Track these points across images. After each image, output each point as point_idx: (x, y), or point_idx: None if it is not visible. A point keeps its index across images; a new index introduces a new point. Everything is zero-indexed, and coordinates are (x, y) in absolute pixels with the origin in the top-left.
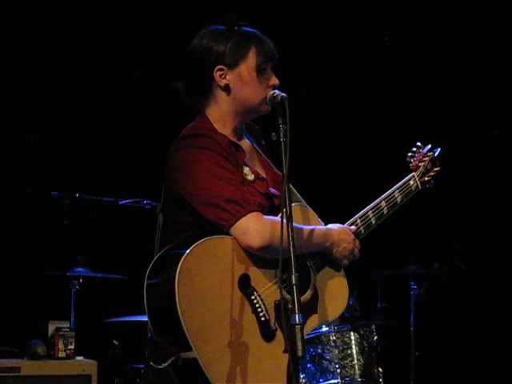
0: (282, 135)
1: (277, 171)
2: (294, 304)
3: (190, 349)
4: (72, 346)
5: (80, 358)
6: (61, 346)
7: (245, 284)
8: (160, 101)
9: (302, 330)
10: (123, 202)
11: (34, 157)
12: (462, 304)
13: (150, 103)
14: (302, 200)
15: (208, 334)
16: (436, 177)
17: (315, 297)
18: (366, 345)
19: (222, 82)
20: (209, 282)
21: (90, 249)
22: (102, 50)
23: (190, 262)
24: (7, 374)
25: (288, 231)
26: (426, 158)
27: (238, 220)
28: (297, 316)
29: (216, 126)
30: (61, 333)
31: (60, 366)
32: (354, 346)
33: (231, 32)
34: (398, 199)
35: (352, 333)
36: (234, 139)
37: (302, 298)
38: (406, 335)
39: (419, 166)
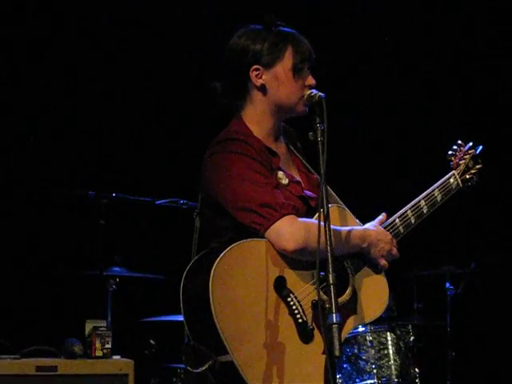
0: (319, 135)
1: (312, 173)
2: (331, 303)
3: (226, 352)
4: (109, 345)
5: (117, 357)
6: (98, 345)
7: (281, 286)
8: (199, 101)
9: (339, 329)
10: (160, 202)
11: (72, 156)
12: (499, 305)
13: (189, 103)
14: (340, 201)
15: (244, 336)
16: (478, 175)
17: (354, 298)
18: (402, 345)
19: (258, 82)
20: (243, 285)
21: (126, 249)
22: (135, 48)
23: (224, 265)
24: (44, 373)
25: (326, 231)
26: (467, 156)
27: (272, 224)
28: (334, 316)
29: (252, 127)
30: (98, 332)
31: (97, 364)
32: (390, 347)
33: (268, 32)
34: (438, 198)
35: (388, 333)
36: (269, 142)
37: (341, 299)
38: (443, 336)
39: (460, 164)
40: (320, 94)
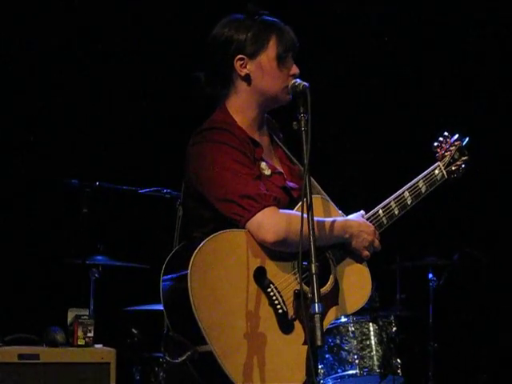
0: (303, 124)
1: (295, 164)
2: (313, 293)
3: (205, 342)
4: (91, 334)
5: (99, 345)
6: (80, 333)
7: (261, 277)
8: (181, 90)
9: (321, 319)
10: (143, 190)
11: (55, 145)
12: (481, 296)
13: (173, 92)
14: (323, 192)
15: (223, 327)
16: (464, 166)
17: (336, 289)
18: (384, 336)
19: (243, 72)
20: (223, 276)
21: (109, 237)
22: (126, 40)
23: (203, 255)
24: (26, 361)
25: (308, 220)
26: (453, 148)
27: (253, 215)
28: (316, 305)
29: (235, 117)
30: (80, 320)
31: (79, 353)
32: (372, 337)
33: (252, 21)
34: (423, 189)
35: (371, 324)
36: (252, 132)
37: (323, 290)
38: (425, 327)
39: (445, 156)
40: (304, 83)
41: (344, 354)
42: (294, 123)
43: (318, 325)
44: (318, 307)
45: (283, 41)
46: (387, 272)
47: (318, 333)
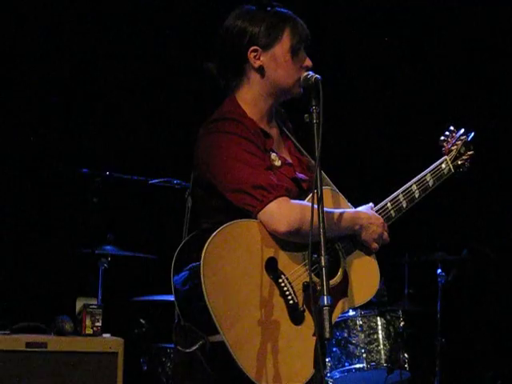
0: (314, 117)
1: (304, 155)
2: (322, 286)
3: (217, 332)
4: (99, 323)
5: (107, 335)
6: (88, 322)
7: (272, 267)
8: (191, 80)
9: (330, 311)
10: (153, 181)
11: (66, 134)
12: (490, 292)
13: (183, 82)
14: (332, 184)
15: (234, 316)
16: (469, 161)
17: (345, 281)
18: (392, 330)
19: (256, 64)
20: (234, 266)
21: (118, 227)
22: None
23: (215, 245)
24: (34, 350)
25: (318, 213)
26: (459, 142)
27: (265, 206)
28: (325, 298)
29: (246, 109)
30: (88, 310)
31: (87, 342)
32: (380, 331)
33: (265, 13)
34: (430, 183)
35: (379, 318)
36: (263, 123)
37: (332, 282)
38: (433, 322)
39: (452, 150)
40: (316, 76)
41: (351, 347)
42: (306, 116)
43: (326, 317)
44: (327, 300)
45: (297, 33)
46: (396, 267)
47: (327, 325)
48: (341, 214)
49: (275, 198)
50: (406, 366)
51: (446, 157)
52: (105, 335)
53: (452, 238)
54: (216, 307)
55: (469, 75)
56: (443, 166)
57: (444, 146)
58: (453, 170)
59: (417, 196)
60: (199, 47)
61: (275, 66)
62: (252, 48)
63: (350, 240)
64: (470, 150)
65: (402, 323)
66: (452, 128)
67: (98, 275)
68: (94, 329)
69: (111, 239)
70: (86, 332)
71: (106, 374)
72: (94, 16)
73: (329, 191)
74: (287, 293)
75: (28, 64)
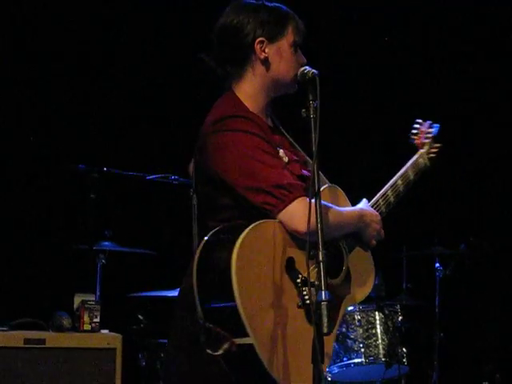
0: (312, 112)
1: (298, 151)
2: (320, 281)
3: (246, 334)
4: (97, 319)
5: (105, 331)
6: (86, 318)
7: (290, 267)
8: (188, 76)
9: (327, 307)
10: (150, 177)
11: (63, 130)
12: (488, 286)
13: (181, 78)
14: (327, 181)
15: (261, 319)
16: (437, 154)
17: (348, 278)
18: (390, 325)
19: (262, 55)
20: (261, 267)
21: (116, 223)
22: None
23: (245, 247)
24: (32, 346)
25: (316, 208)
26: (430, 135)
27: (286, 206)
28: (323, 293)
29: (246, 103)
30: (86, 306)
31: (85, 338)
32: (378, 326)
33: (267, 6)
34: (411, 177)
35: (377, 312)
36: (264, 118)
37: (337, 280)
38: (431, 316)
39: (425, 143)
40: (313, 70)
41: (350, 342)
42: (303, 110)
43: (324, 312)
44: (325, 295)
45: (299, 29)
46: (394, 261)
47: (324, 320)
48: (350, 212)
49: (295, 197)
50: (404, 360)
51: (421, 150)
52: (103, 331)
53: (450, 232)
54: (246, 309)
55: (469, 75)
56: (420, 160)
57: (415, 140)
58: (428, 164)
59: (401, 190)
60: (196, 43)
61: (279, 59)
62: (259, 39)
63: (352, 237)
64: (437, 143)
65: (400, 317)
66: (419, 120)
67: (96, 271)
68: (92, 325)
69: (109, 235)
70: (84, 328)
71: (104, 369)
72: (94, 14)
73: (333, 189)
74: (304, 292)
75: (27, 62)
